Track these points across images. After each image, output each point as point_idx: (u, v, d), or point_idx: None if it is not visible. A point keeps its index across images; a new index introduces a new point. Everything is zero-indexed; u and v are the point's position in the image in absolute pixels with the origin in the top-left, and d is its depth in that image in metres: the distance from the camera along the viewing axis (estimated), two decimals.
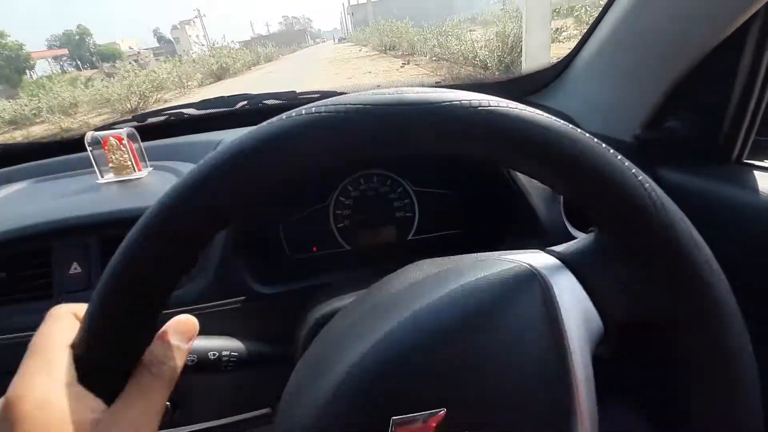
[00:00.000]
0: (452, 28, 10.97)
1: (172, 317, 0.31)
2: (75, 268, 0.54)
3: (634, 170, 0.24)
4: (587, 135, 0.24)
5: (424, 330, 0.26)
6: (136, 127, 0.68)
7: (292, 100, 0.82)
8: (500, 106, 0.23)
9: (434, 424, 0.25)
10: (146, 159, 0.68)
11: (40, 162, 0.75)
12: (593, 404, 0.27)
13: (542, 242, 0.58)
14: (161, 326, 0.26)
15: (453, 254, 0.43)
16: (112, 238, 0.55)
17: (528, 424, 0.25)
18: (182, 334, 0.25)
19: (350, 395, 0.25)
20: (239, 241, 0.56)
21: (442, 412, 0.25)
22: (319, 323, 0.46)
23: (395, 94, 0.22)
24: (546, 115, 0.24)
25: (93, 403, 0.21)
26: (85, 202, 0.59)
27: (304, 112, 0.22)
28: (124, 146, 0.63)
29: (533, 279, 0.28)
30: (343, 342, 0.29)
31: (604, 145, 0.24)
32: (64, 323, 0.23)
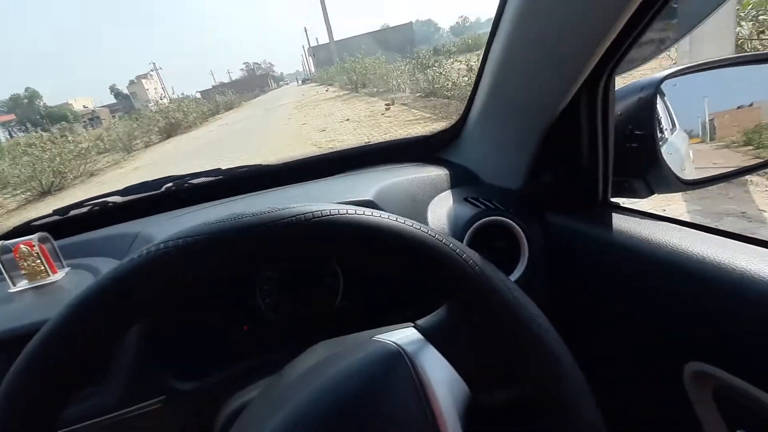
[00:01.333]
0: (430, 60, 10.21)
1: (95, 427, 0.34)
2: None
3: (458, 249, 0.30)
4: (414, 225, 0.30)
5: (309, 416, 0.31)
6: (58, 221, 0.70)
7: (217, 176, 0.87)
8: (331, 215, 0.29)
9: None
10: (62, 260, 0.70)
11: None
12: None
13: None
14: None
15: (379, 320, 0.46)
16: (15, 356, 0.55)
17: None
18: None
19: None
20: (155, 341, 0.57)
21: None
22: (231, 418, 0.49)
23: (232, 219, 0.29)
24: (376, 214, 0.30)
25: None
26: None
27: (153, 249, 0.28)
28: (36, 252, 0.65)
29: (400, 357, 0.33)
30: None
31: (429, 231, 0.30)
32: None
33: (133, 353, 0.55)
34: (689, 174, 0.62)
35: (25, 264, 0.66)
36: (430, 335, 0.34)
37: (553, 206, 0.67)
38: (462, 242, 0.64)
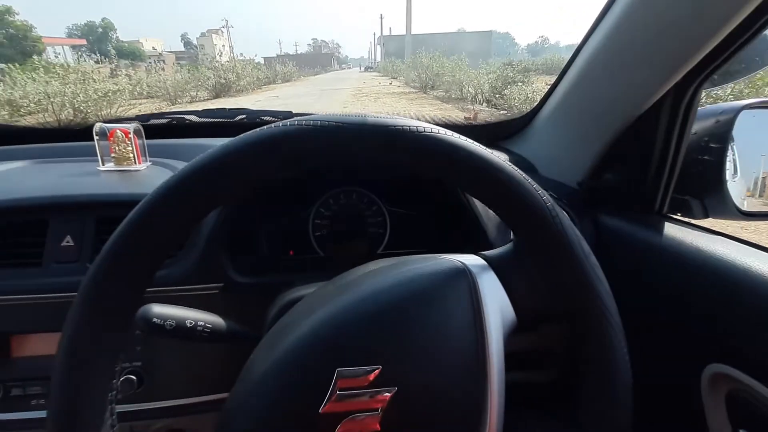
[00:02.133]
0: (517, 75, 9.74)
1: (158, 297, 0.40)
2: (68, 241, 0.62)
3: (539, 191, 0.34)
4: (508, 163, 0.34)
5: (368, 306, 0.35)
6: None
7: (287, 118, 0.96)
8: (434, 133, 0.32)
9: (371, 378, 0.32)
10: (147, 155, 0.80)
11: (43, 145, 0.86)
12: (501, 374, 0.35)
13: None
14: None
15: None
16: (107, 219, 0.63)
17: (446, 383, 0.34)
18: None
19: (304, 349, 0.34)
20: (223, 235, 0.64)
21: (378, 368, 0.33)
22: (285, 306, 0.55)
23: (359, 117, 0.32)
24: (475, 144, 0.33)
25: None
26: (84, 184, 0.69)
27: (280, 124, 0.32)
28: (129, 140, 0.75)
29: (463, 274, 0.37)
30: (301, 315, 0.37)
31: (519, 172, 0.34)
32: None
33: (204, 238, 0.63)
34: (746, 205, 0.64)
35: (117, 148, 0.75)
36: (493, 262, 0.39)
37: (608, 208, 0.71)
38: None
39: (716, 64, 0.53)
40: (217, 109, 0.97)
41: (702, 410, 0.52)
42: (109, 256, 0.29)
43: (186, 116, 0.95)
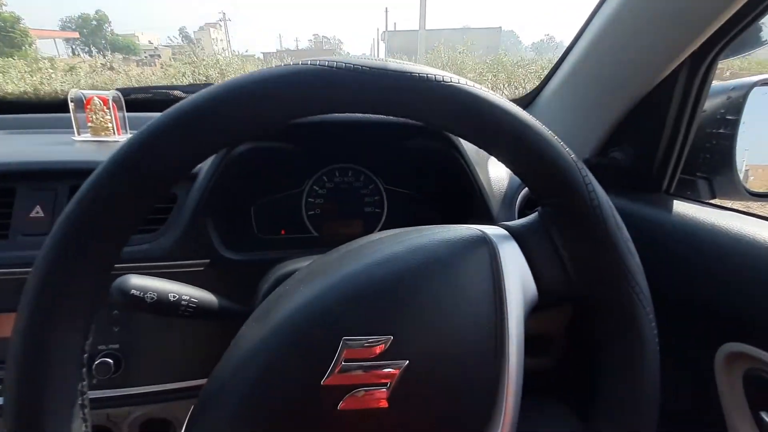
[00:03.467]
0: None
1: (139, 272, 0.37)
2: (37, 212, 0.60)
3: (572, 155, 0.32)
4: (537, 122, 0.31)
5: (381, 271, 0.32)
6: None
7: None
8: (468, 86, 0.29)
9: (381, 349, 0.30)
10: (127, 127, 0.78)
11: (16, 116, 0.84)
12: (521, 353, 0.33)
13: None
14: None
15: None
16: (77, 188, 0.62)
17: (462, 360, 0.32)
18: None
19: (306, 316, 0.31)
20: (210, 207, 0.62)
21: (389, 339, 0.30)
22: (280, 279, 0.53)
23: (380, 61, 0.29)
24: (504, 100, 0.30)
25: None
26: (56, 152, 0.66)
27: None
28: (108, 108, 0.73)
29: (484, 242, 0.35)
30: (300, 284, 0.35)
31: (550, 132, 0.32)
32: None
33: (190, 210, 0.61)
34: (755, 185, 0.63)
35: (94, 117, 0.73)
36: (516, 233, 0.37)
37: (613, 187, 0.70)
38: (516, 202, 0.71)
39: (735, 32, 0.52)
40: (204, 83, 0.96)
41: (716, 393, 0.51)
42: (67, 225, 0.25)
43: (171, 91, 0.93)
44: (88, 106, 0.74)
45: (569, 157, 0.32)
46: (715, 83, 0.63)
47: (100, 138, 0.74)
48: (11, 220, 0.60)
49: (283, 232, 0.79)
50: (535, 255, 0.36)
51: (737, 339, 0.48)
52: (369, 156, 0.79)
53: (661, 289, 0.58)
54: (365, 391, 0.30)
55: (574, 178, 0.32)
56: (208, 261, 0.62)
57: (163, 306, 0.40)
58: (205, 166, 0.63)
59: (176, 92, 0.93)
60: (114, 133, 0.75)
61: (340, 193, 0.80)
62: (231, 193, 0.69)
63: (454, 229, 0.36)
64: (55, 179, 0.61)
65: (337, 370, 0.30)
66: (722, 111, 0.61)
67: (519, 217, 0.70)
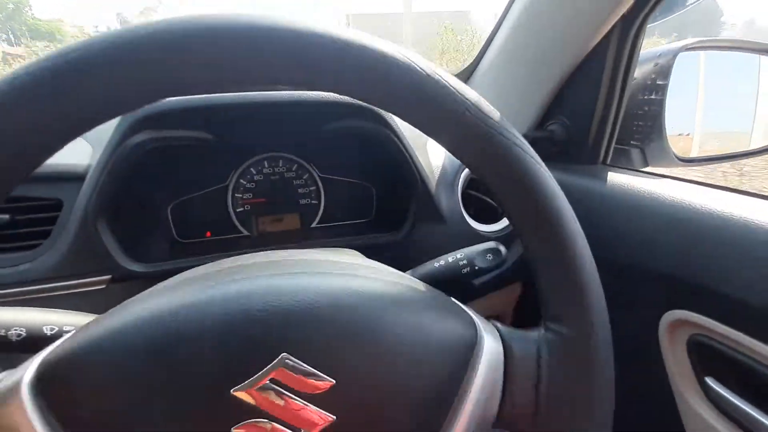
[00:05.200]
0: None
1: (17, 299, 0.34)
2: None
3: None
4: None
5: (358, 303, 0.29)
6: None
7: None
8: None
9: (315, 388, 0.26)
10: None
11: None
12: None
13: (441, 227, 0.70)
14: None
15: (358, 240, 0.52)
16: None
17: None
18: None
19: (262, 304, 0.27)
20: (106, 211, 0.56)
21: (331, 383, 0.26)
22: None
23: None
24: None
25: None
26: None
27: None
28: None
29: (472, 342, 0.31)
30: (275, 265, 0.32)
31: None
32: None
33: (77, 218, 0.55)
34: (683, 151, 0.68)
35: None
36: (507, 345, 0.32)
37: (553, 159, 0.72)
38: (458, 187, 0.72)
39: None
40: None
41: (662, 361, 0.54)
42: None
43: None
44: None
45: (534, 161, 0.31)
46: (645, 51, 0.66)
47: None
48: None
49: (209, 234, 0.76)
50: (514, 380, 0.32)
51: (680, 306, 0.50)
52: (299, 143, 0.77)
53: (603, 258, 0.62)
54: (274, 425, 0.26)
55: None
56: (109, 277, 0.57)
57: (38, 342, 0.34)
58: (93, 162, 0.57)
59: None
60: None
61: (271, 185, 0.78)
62: (135, 194, 0.64)
63: (451, 307, 0.33)
64: None
65: (257, 385, 0.25)
66: (652, 77, 0.65)
67: (462, 200, 0.72)
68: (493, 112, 0.30)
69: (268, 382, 0.25)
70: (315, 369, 0.26)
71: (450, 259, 0.54)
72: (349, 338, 0.28)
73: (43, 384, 0.26)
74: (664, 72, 0.64)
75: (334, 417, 0.26)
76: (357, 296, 0.29)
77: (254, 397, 0.25)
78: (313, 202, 0.81)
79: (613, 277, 0.60)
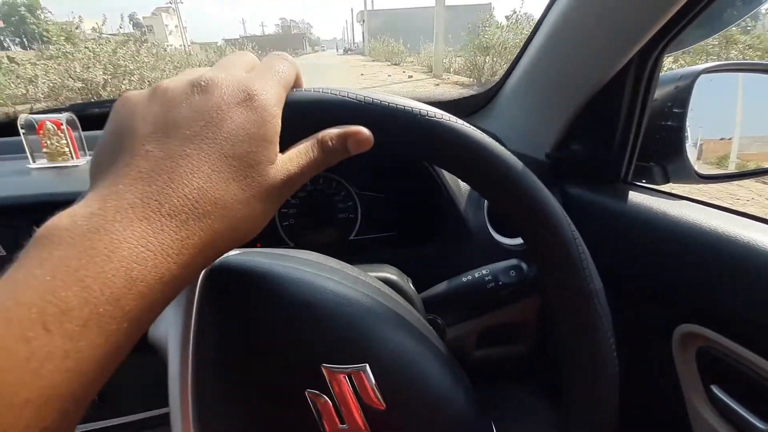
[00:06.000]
0: None
1: None
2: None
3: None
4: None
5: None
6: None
7: None
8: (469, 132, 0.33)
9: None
10: (86, 148, 0.80)
11: None
12: None
13: (468, 242, 0.78)
14: None
15: (390, 253, 0.57)
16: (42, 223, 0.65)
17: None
18: (343, 144, 0.31)
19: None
20: None
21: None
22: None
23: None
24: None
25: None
26: (13, 185, 0.68)
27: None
28: (62, 132, 0.76)
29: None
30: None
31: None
32: (293, 71, 0.31)
33: None
34: (703, 168, 0.72)
35: (48, 142, 0.76)
36: None
37: (574, 179, 0.78)
38: (484, 204, 0.78)
39: (679, 28, 0.59)
40: None
41: (675, 371, 0.60)
42: None
43: None
44: (41, 131, 0.76)
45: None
46: (666, 73, 0.71)
47: (57, 164, 0.77)
48: None
49: (259, 245, 0.84)
50: None
51: (689, 320, 0.56)
52: (339, 163, 0.85)
53: (622, 273, 0.67)
54: (329, 404, 0.33)
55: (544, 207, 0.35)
56: None
57: None
58: None
59: None
60: (72, 156, 0.78)
61: (314, 201, 0.86)
62: None
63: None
64: (17, 216, 0.63)
65: (340, 373, 0.34)
66: (671, 100, 0.69)
67: (488, 218, 0.79)
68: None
69: (346, 376, 0.33)
70: (378, 389, 0.33)
71: (477, 275, 0.63)
72: (412, 391, 0.35)
73: (212, 274, 0.35)
74: (683, 94, 0.69)
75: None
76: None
77: (331, 378, 0.33)
78: (350, 216, 0.89)
79: (632, 291, 0.66)
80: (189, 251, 0.24)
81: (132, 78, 9.56)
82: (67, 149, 0.78)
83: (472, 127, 0.33)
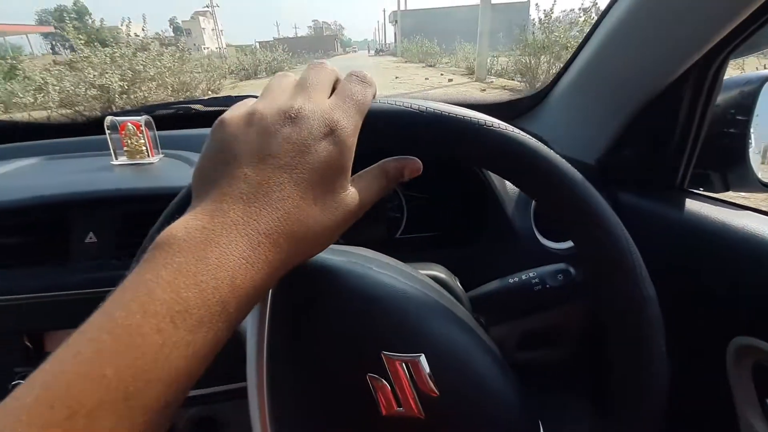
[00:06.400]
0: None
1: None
2: (90, 238, 0.71)
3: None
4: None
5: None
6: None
7: None
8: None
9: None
10: (158, 147, 0.88)
11: (51, 141, 0.95)
12: None
13: (514, 243, 0.79)
14: None
15: (435, 252, 0.59)
16: (128, 214, 0.71)
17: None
18: (401, 172, 0.37)
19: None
20: None
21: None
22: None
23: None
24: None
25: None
26: (101, 179, 0.77)
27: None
28: (141, 132, 0.84)
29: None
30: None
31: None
32: (370, 94, 0.34)
33: None
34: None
35: (129, 141, 0.84)
36: None
37: (627, 185, 0.78)
38: (531, 204, 0.80)
39: (750, 31, 0.57)
40: (222, 96, 1.08)
41: (728, 384, 0.58)
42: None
43: (192, 105, 1.04)
44: (123, 132, 0.84)
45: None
46: (730, 77, 0.69)
47: (135, 161, 0.85)
48: (69, 246, 0.71)
49: None
50: None
51: (746, 333, 0.55)
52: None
53: (673, 283, 0.64)
54: (387, 387, 0.36)
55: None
56: None
57: None
58: None
59: (197, 106, 1.05)
60: (147, 155, 0.86)
61: None
62: None
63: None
64: (103, 207, 0.71)
65: (398, 361, 0.36)
66: (734, 106, 0.68)
67: (535, 223, 0.80)
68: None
69: (403, 363, 0.36)
70: (432, 377, 0.36)
71: (524, 277, 0.64)
72: (463, 381, 0.38)
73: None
74: (748, 99, 0.67)
75: (422, 416, 0.36)
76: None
77: (390, 365, 0.36)
78: (396, 215, 0.93)
79: (685, 301, 0.65)
80: (276, 265, 0.28)
81: (151, 85, 9.31)
82: (144, 148, 0.85)
83: (524, 134, 0.34)
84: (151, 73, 9.35)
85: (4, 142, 0.97)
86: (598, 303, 0.37)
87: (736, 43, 0.60)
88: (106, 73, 8.35)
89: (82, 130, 0.99)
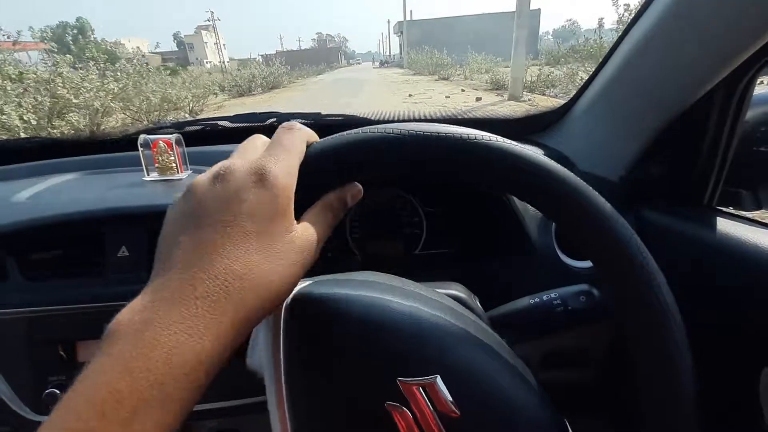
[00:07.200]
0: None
1: None
2: (123, 252, 0.74)
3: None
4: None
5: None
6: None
7: (315, 119, 1.09)
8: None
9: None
10: (187, 163, 0.92)
11: (87, 157, 1.00)
12: None
13: (533, 260, 0.79)
14: None
15: (453, 268, 0.60)
16: (157, 230, 0.75)
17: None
18: (344, 201, 0.38)
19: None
20: None
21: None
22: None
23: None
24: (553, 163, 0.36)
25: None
26: (134, 195, 0.81)
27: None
28: (172, 150, 0.88)
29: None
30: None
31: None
32: (301, 139, 0.35)
33: None
34: None
35: (160, 158, 0.87)
36: None
37: (652, 202, 0.78)
38: (552, 225, 0.81)
39: None
40: (248, 113, 1.11)
41: (761, 413, 0.57)
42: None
43: (219, 122, 1.08)
44: (155, 149, 0.88)
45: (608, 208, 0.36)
46: (759, 93, 0.69)
47: (166, 177, 0.88)
48: (105, 260, 0.74)
49: (329, 254, 0.92)
50: None
51: None
52: (407, 180, 0.90)
53: (701, 305, 0.63)
54: (408, 414, 0.36)
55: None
56: None
57: None
58: None
59: (223, 123, 1.09)
60: (177, 171, 0.89)
61: (382, 216, 0.93)
62: None
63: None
64: (136, 222, 0.75)
65: (415, 385, 0.37)
66: (765, 123, 0.69)
67: (557, 241, 0.81)
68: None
69: (419, 387, 0.36)
70: (451, 398, 0.36)
71: (545, 297, 0.63)
72: (484, 398, 0.38)
73: (293, 305, 0.40)
74: None
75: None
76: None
77: (407, 390, 0.36)
78: (415, 231, 0.95)
79: (713, 325, 0.64)
80: (223, 329, 0.27)
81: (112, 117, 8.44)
82: (174, 165, 0.89)
83: (520, 145, 0.36)
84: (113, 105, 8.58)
85: (41, 158, 1.01)
86: (620, 317, 0.37)
87: (767, 59, 0.61)
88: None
89: (113, 147, 1.03)
